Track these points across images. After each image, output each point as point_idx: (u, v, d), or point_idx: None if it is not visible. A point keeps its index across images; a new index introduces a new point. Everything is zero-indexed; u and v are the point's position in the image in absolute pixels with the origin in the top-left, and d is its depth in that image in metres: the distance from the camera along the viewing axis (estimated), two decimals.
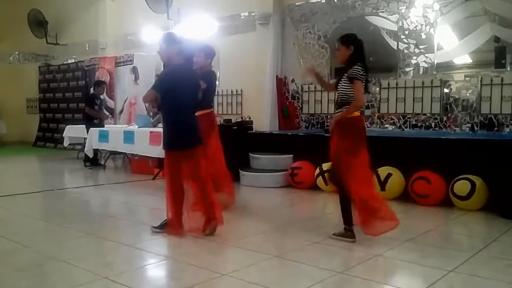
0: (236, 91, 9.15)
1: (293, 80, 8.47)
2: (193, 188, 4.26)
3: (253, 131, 7.84)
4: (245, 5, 8.94)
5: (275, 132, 7.79)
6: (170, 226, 4.19)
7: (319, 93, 8.04)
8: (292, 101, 8.46)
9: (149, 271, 3.39)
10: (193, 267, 3.32)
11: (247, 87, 8.93)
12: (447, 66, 6.84)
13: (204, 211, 4.23)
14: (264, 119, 8.23)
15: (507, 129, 6.16)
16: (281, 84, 8.40)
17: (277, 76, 8.34)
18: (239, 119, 8.24)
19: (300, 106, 8.36)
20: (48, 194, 6.38)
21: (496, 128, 6.24)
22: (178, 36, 4.32)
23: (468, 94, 6.55)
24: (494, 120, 6.28)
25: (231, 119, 7.98)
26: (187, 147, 4.15)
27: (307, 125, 8.26)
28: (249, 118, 8.18)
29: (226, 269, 3.27)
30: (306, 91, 8.26)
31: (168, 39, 4.22)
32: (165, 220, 4.26)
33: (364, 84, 3.92)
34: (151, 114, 8.71)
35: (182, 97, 4.12)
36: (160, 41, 4.24)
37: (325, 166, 6.16)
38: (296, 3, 8.39)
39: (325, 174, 5.96)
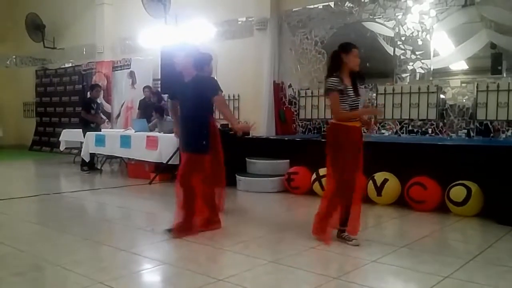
0: (234, 96, 9.17)
1: (290, 85, 8.50)
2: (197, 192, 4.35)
3: (250, 136, 7.83)
4: (243, 10, 8.97)
5: (272, 137, 7.79)
6: (181, 229, 4.23)
7: (316, 98, 8.07)
8: (289, 106, 8.49)
9: (145, 276, 3.38)
10: (189, 272, 3.31)
11: (244, 92, 8.95)
12: (444, 72, 6.89)
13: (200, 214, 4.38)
14: (261, 124, 8.24)
15: (503, 135, 6.19)
16: (278, 89, 8.43)
17: (274, 81, 8.37)
18: None
19: (297, 111, 8.38)
20: (44, 198, 6.37)
21: (492, 134, 6.28)
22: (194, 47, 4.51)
23: (464, 100, 6.59)
24: (490, 126, 6.32)
25: (228, 124, 7.97)
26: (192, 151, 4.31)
27: (304, 130, 8.28)
28: (246, 122, 8.17)
29: (222, 274, 3.27)
30: (303, 97, 8.29)
31: (187, 51, 4.34)
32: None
33: None
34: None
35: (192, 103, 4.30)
36: (179, 50, 4.35)
37: (322, 171, 6.18)
38: (294, 9, 8.44)
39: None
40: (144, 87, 9.78)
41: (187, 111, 4.32)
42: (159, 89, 9.68)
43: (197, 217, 4.37)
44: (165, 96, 9.98)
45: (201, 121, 4.32)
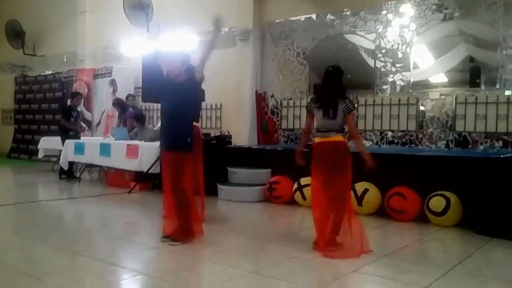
0: (216, 105, 9.14)
1: (272, 96, 8.52)
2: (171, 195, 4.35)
3: (232, 145, 7.83)
4: (225, 21, 8.95)
5: (254, 147, 7.79)
6: (180, 233, 4.23)
7: (298, 108, 8.10)
8: (271, 116, 8.50)
9: (122, 287, 3.31)
10: (167, 284, 3.26)
11: (226, 102, 8.94)
12: (423, 85, 6.98)
13: (176, 220, 4.32)
14: (243, 133, 8.23)
15: (481, 147, 6.29)
16: (260, 99, 8.44)
17: (256, 91, 8.38)
18: (218, 133, 8.22)
19: (279, 121, 8.40)
20: (21, 207, 6.22)
21: (470, 146, 6.37)
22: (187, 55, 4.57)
23: (443, 112, 6.68)
24: (469, 138, 6.41)
25: (210, 133, 7.95)
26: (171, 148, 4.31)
27: (286, 140, 8.29)
28: (228, 132, 8.16)
29: (201, 285, 3.23)
30: (285, 107, 8.32)
31: (183, 59, 4.44)
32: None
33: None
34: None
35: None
36: (174, 57, 4.44)
37: (303, 180, 6.18)
38: (276, 20, 8.49)
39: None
40: (128, 96, 9.71)
41: (175, 110, 4.29)
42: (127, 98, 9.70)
43: (194, 222, 4.36)
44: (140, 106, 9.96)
45: (187, 120, 4.37)
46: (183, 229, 4.26)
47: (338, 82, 4.18)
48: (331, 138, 4.05)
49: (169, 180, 4.33)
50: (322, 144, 4.11)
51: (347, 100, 4.08)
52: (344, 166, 4.05)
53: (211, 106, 9.17)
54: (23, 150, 13.58)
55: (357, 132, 4.43)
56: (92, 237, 4.80)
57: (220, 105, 9.12)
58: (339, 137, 4.07)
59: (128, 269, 3.66)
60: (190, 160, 4.37)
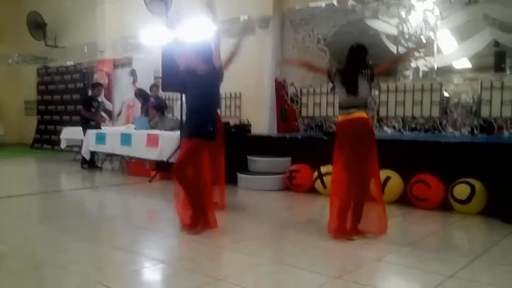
0: (235, 94, 9.11)
1: (292, 83, 8.43)
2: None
3: (252, 134, 7.80)
4: (245, 9, 8.90)
5: (273, 135, 7.74)
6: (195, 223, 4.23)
7: (318, 96, 8.00)
8: (291, 104, 8.42)
9: (143, 276, 3.32)
10: (188, 272, 3.26)
11: (246, 90, 8.89)
12: (447, 70, 6.81)
13: (192, 211, 4.29)
14: (262, 122, 8.18)
15: (507, 133, 6.12)
16: (280, 87, 8.36)
17: (276, 79, 8.30)
18: (238, 122, 8.19)
19: (299, 109, 8.32)
20: (44, 196, 6.33)
21: (495, 132, 6.20)
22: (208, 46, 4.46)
23: (467, 98, 6.51)
24: (494, 124, 6.24)
25: (229, 122, 7.93)
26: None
27: (305, 128, 8.21)
28: (248, 121, 8.13)
29: (222, 274, 3.22)
30: (305, 94, 8.22)
31: (202, 50, 4.37)
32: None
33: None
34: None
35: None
36: (192, 49, 4.39)
37: (323, 169, 6.12)
38: (296, 7, 8.36)
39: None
40: (151, 86, 9.73)
41: (197, 100, 4.29)
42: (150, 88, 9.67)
43: (209, 212, 4.32)
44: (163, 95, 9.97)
45: (210, 109, 4.35)
46: (196, 219, 4.24)
47: (361, 59, 4.20)
48: (354, 115, 4.05)
49: (177, 167, 4.29)
50: (345, 122, 4.11)
51: (364, 70, 4.13)
52: (369, 147, 4.01)
53: (230, 95, 9.13)
54: (46, 140, 13.83)
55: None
56: (114, 226, 4.84)
57: (240, 94, 9.08)
58: (362, 114, 4.07)
59: (150, 257, 3.67)
60: (208, 150, 4.32)
